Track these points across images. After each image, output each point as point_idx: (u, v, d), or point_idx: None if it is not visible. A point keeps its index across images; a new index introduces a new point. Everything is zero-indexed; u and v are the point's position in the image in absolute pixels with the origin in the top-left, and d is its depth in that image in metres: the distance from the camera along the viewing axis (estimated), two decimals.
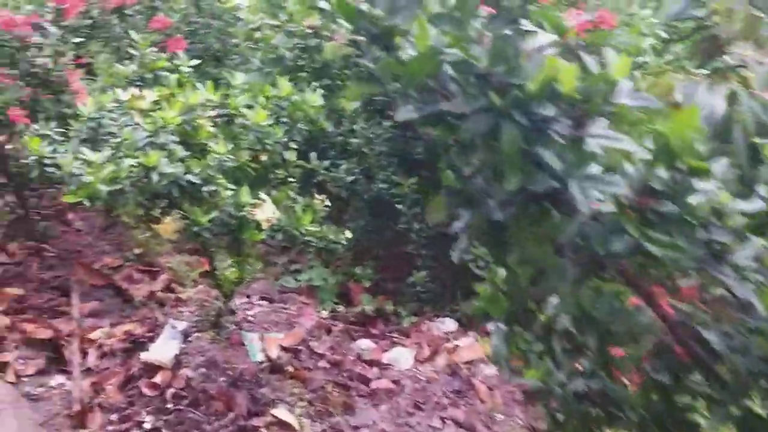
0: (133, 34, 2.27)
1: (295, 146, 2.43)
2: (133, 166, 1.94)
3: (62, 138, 2.15)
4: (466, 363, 2.86)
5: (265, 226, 2.07)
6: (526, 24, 0.73)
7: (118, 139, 2.09)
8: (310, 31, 2.97)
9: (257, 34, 3.28)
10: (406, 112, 0.72)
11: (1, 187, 3.60)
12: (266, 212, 2.05)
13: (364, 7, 0.69)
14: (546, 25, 0.86)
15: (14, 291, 3.12)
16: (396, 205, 3.02)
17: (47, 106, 2.91)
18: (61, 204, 3.80)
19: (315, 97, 2.35)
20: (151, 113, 2.12)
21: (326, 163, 2.94)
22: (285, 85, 2.36)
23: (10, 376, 2.72)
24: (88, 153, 1.96)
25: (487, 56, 0.67)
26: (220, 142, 2.07)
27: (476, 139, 0.69)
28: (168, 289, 3.26)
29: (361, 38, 0.72)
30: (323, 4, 3.16)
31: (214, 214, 2.06)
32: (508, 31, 0.70)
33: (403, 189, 2.98)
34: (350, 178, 2.99)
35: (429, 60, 0.68)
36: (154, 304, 3.16)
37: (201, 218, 2.03)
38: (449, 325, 3.04)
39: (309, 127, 2.42)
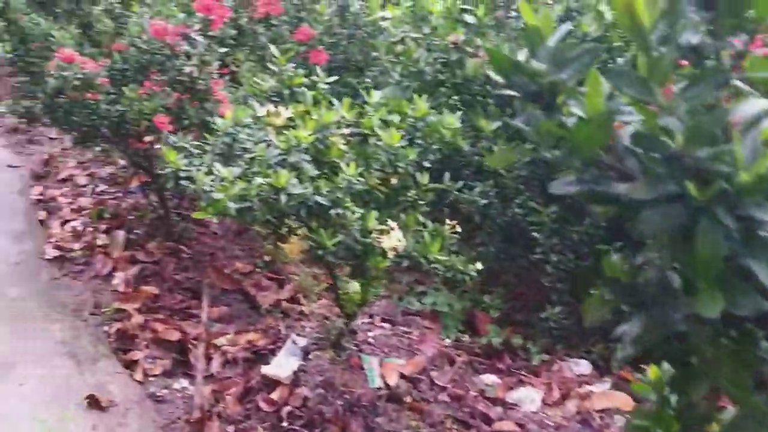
0: (274, 50, 2.24)
1: (427, 165, 2.31)
2: (262, 184, 1.90)
3: (198, 151, 2.16)
4: (600, 411, 2.62)
5: (390, 254, 1.96)
6: (737, 83, 0.56)
7: (252, 155, 2.06)
8: (453, 45, 2.84)
9: (399, 48, 3.20)
10: (565, 186, 0.57)
11: (146, 186, 3.77)
12: (392, 240, 1.94)
13: (522, 58, 0.56)
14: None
15: (150, 290, 3.23)
16: (532, 233, 2.83)
17: (191, 114, 2.98)
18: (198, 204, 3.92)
19: (453, 119, 2.21)
20: (285, 131, 2.08)
21: (459, 183, 2.79)
22: (421, 104, 2.24)
23: (139, 375, 2.80)
24: (220, 168, 1.94)
25: (683, 131, 0.51)
26: (351, 163, 1.98)
27: (659, 232, 0.53)
28: (293, 300, 3.25)
29: (515, 94, 0.58)
30: (469, 19, 3.04)
31: (339, 237, 1.98)
32: (711, 99, 0.53)
33: (541, 217, 2.78)
34: (484, 201, 2.83)
35: (601, 127, 0.53)
36: (278, 313, 3.16)
37: (326, 241, 1.96)
38: (583, 367, 2.80)
39: (444, 149, 2.29)
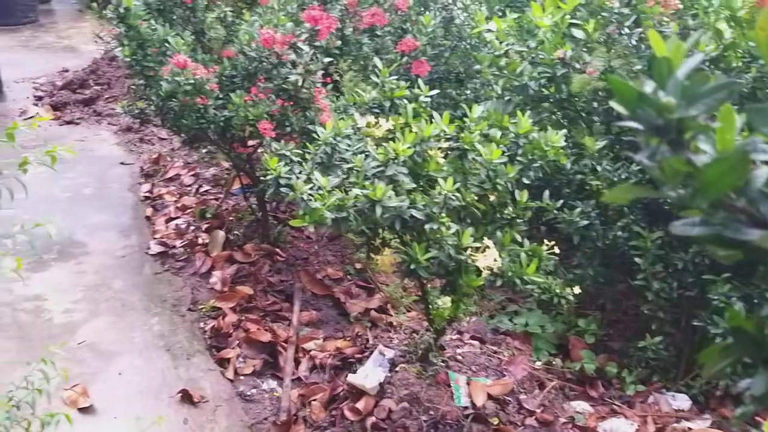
0: (377, 61, 2.25)
1: (526, 181, 2.25)
2: (359, 196, 1.90)
3: (299, 159, 2.19)
4: None
5: (485, 273, 1.92)
6: None
7: (350, 165, 2.08)
8: (559, 60, 2.76)
9: (502, 61, 3.15)
10: (688, 227, 0.53)
11: (247, 188, 3.87)
12: (488, 259, 1.90)
13: (649, 90, 0.51)
14: None
15: (245, 290, 3.31)
16: (634, 258, 2.71)
17: (293, 121, 3.04)
18: (294, 210, 4.00)
19: (556, 137, 2.15)
20: (384, 143, 2.08)
21: (559, 202, 2.70)
22: (524, 120, 2.19)
23: (230, 373, 2.87)
24: (319, 178, 1.95)
25: None
26: (449, 178, 1.96)
27: None
28: (382, 310, 3.25)
29: (639, 127, 0.54)
30: (578, 34, 2.95)
31: (433, 252, 1.96)
32: None
33: (645, 242, 2.65)
34: (584, 222, 2.73)
35: (734, 167, 0.48)
36: (367, 322, 3.17)
37: (419, 256, 1.94)
38: (682, 401, 2.65)
39: (546, 166, 2.23)
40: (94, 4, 3.74)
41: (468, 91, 3.87)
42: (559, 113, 3.29)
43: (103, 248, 3.65)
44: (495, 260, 1.90)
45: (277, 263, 3.59)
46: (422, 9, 3.54)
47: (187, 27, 3.24)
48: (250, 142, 3.08)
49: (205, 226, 3.84)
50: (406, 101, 2.19)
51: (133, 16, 2.83)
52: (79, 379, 2.71)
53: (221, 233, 3.70)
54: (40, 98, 5.49)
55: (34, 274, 3.38)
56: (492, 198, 2.08)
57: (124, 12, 2.82)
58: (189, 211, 4.05)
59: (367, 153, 2.07)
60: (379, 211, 1.83)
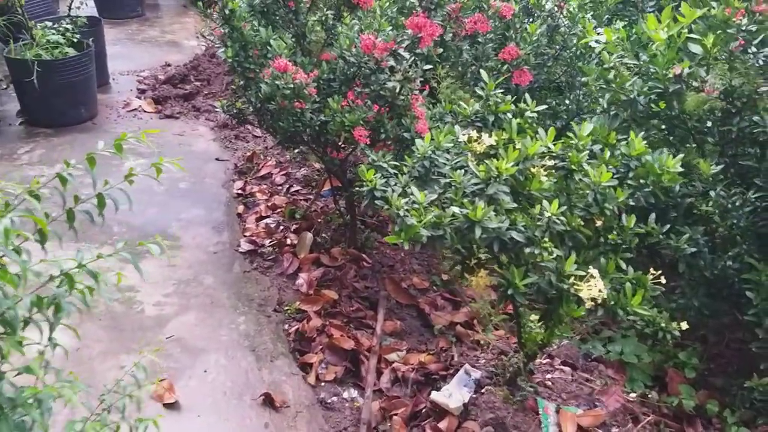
0: (483, 74, 2.16)
1: (632, 203, 2.12)
2: (457, 214, 1.83)
3: (395, 171, 2.13)
4: None
5: (588, 305, 1.81)
6: None
7: (448, 180, 2.01)
8: (674, 76, 2.60)
9: (611, 74, 2.99)
10: None
11: (336, 191, 3.86)
12: (594, 290, 1.79)
13: None
14: None
15: (330, 294, 3.30)
16: (745, 291, 2.51)
17: (388, 128, 2.99)
18: (383, 216, 3.96)
19: (672, 162, 2.01)
20: (485, 159, 2.00)
21: (665, 227, 2.54)
22: (638, 142, 2.06)
23: (312, 378, 2.86)
24: (416, 192, 1.89)
25: None
26: (554, 201, 1.86)
27: None
28: (468, 325, 3.17)
29: None
30: (695, 49, 2.77)
31: (532, 278, 1.86)
32: None
33: (758, 276, 2.46)
34: (692, 249, 2.56)
35: None
36: (452, 336, 3.10)
37: (518, 280, 1.85)
38: None
39: (658, 191, 2.09)
40: (200, 3, 3.79)
41: (568, 102, 3.73)
42: (667, 131, 3.10)
43: (196, 243, 3.72)
44: (600, 291, 1.79)
45: (363, 269, 3.55)
46: (527, 17, 3.42)
47: (288, 29, 3.25)
48: (344, 147, 3.05)
49: (294, 226, 3.86)
50: (510, 116, 2.10)
51: (238, 18, 2.86)
52: (167, 373, 2.76)
53: (309, 235, 3.70)
54: (143, 91, 5.67)
55: (128, 265, 3.46)
56: (599, 223, 1.96)
57: (229, 14, 2.84)
58: (279, 210, 4.08)
59: (466, 168, 1.99)
60: (478, 232, 1.75)
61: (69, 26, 5.11)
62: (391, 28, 3.37)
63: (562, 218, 1.85)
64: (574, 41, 3.59)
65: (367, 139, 2.86)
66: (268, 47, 2.93)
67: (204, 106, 5.39)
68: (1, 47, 5.10)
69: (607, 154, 2.11)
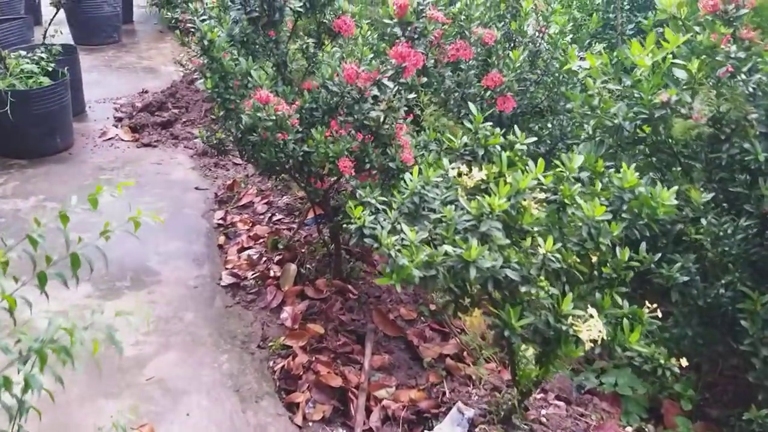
0: (471, 107, 2.11)
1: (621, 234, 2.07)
2: (449, 253, 1.76)
3: (383, 207, 2.06)
4: None
5: (588, 346, 1.75)
6: None
7: (439, 216, 1.94)
8: (662, 103, 2.57)
9: (595, 101, 2.97)
10: None
11: (320, 219, 3.79)
12: (593, 331, 1.73)
13: None
14: None
15: (316, 329, 3.21)
16: (740, 321, 2.47)
17: (372, 158, 2.93)
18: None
19: (667, 194, 1.96)
20: (476, 193, 1.94)
21: (656, 256, 2.49)
22: (630, 174, 2.01)
23: (299, 419, 2.76)
24: (406, 230, 1.83)
25: None
26: (549, 237, 1.80)
27: None
28: (458, 358, 3.09)
29: None
30: (680, 74, 2.75)
31: (529, 318, 1.79)
32: None
33: (753, 305, 2.42)
34: (684, 278, 2.51)
35: None
36: (442, 370, 3.02)
37: (513, 321, 1.78)
38: None
39: (653, 225, 2.04)
40: (177, 32, 3.74)
41: (551, 126, 3.70)
42: (652, 156, 3.08)
43: (176, 277, 3.62)
44: (600, 332, 1.73)
45: (349, 300, 3.47)
46: (508, 43, 3.39)
47: (269, 58, 3.19)
48: (328, 178, 2.99)
49: (277, 257, 3.77)
50: (499, 148, 2.05)
51: (217, 48, 2.79)
52: (147, 417, 2.65)
53: (293, 267, 3.62)
54: (120, 119, 5.58)
55: (106, 302, 3.36)
56: (594, 259, 1.90)
57: (208, 44, 2.77)
58: (261, 240, 3.99)
59: (457, 203, 1.93)
60: (473, 272, 1.69)
61: (43, 55, 5.02)
62: (372, 55, 3.33)
63: (557, 255, 1.79)
64: (556, 66, 3.57)
65: (352, 170, 2.80)
66: (249, 77, 2.87)
67: (182, 134, 5.30)
68: None
69: (599, 185, 2.06)
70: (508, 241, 1.87)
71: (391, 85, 2.73)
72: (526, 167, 2.00)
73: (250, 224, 4.18)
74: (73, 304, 3.33)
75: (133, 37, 8.24)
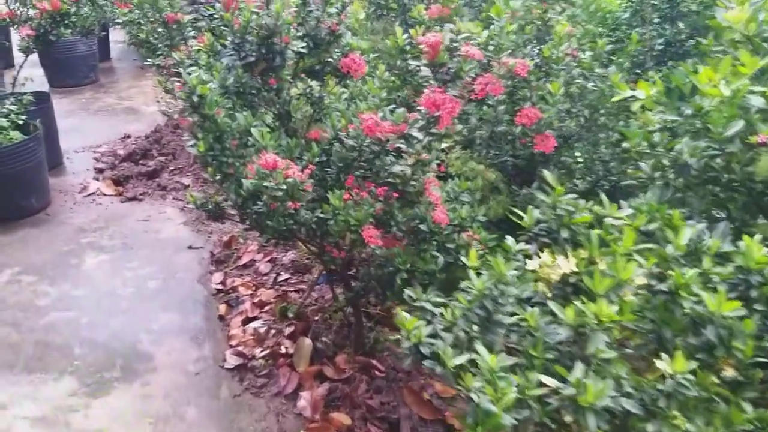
0: (547, 175, 1.66)
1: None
2: (545, 385, 1.30)
3: (440, 310, 1.60)
4: None
5: None
6: None
7: (516, 319, 1.49)
8: (760, 144, 2.13)
9: (655, 137, 2.53)
10: None
11: (330, 275, 3.30)
12: None
13: None
14: None
15: (341, 419, 2.74)
16: None
17: (399, 220, 2.48)
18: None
19: None
20: (564, 290, 1.48)
21: None
22: (756, 249, 1.56)
23: None
24: (484, 354, 1.36)
25: None
26: (677, 355, 1.34)
27: None
28: None
29: None
30: (757, 102, 2.32)
31: None
32: None
33: None
34: None
35: None
36: None
37: None
38: None
39: None
40: (158, 79, 3.29)
41: (581, 159, 3.27)
42: (723, 198, 2.64)
43: (173, 361, 3.13)
44: None
45: (376, 379, 3.00)
46: (543, 74, 2.95)
47: (269, 108, 2.74)
48: (349, 247, 2.53)
49: (288, 329, 3.29)
50: (592, 231, 1.59)
51: (209, 104, 2.33)
52: None
53: (307, 342, 3.14)
54: (101, 170, 5.10)
55: (94, 400, 2.87)
56: (729, 371, 1.44)
57: (198, 100, 2.32)
58: (268, 308, 3.52)
59: (546, 310, 1.48)
60: (591, 422, 1.22)
61: (13, 107, 4.54)
62: (385, 92, 2.89)
63: (690, 377, 1.34)
64: (591, 96, 3.13)
65: (379, 239, 2.34)
66: (249, 136, 2.41)
67: (170, 184, 4.83)
68: None
69: (710, 263, 1.61)
70: (614, 354, 1.41)
71: (420, 136, 2.28)
72: (630, 256, 1.55)
73: (254, 288, 3.71)
74: (56, 406, 2.84)
75: (111, 76, 7.78)
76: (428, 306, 1.59)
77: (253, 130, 2.36)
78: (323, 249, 2.72)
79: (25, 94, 4.85)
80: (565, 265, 1.49)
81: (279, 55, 2.47)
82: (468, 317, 1.49)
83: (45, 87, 6.92)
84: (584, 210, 1.58)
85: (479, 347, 1.38)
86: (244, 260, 3.95)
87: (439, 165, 2.49)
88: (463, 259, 1.67)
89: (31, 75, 6.79)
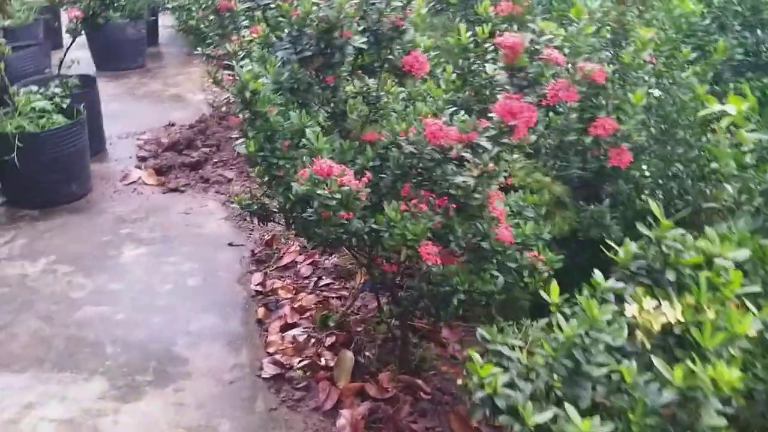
0: (653, 206, 1.43)
1: None
2: None
3: (517, 354, 1.39)
4: None
5: None
6: None
7: (608, 370, 1.27)
8: None
9: (748, 158, 2.29)
10: None
11: (378, 284, 3.10)
12: None
13: None
14: None
15: None
16: None
17: (459, 235, 2.28)
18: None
19: None
20: (665, 340, 1.27)
21: None
22: None
23: None
24: (575, 416, 1.16)
25: None
26: None
27: None
28: None
29: None
30: None
31: None
32: None
33: None
34: None
35: None
36: None
37: None
38: None
39: None
40: (208, 69, 3.14)
41: (648, 172, 3.02)
42: None
43: (208, 368, 2.98)
44: None
45: (421, 401, 2.80)
46: (622, 82, 2.71)
47: (323, 106, 2.56)
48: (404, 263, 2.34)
49: (329, 339, 3.11)
50: (701, 274, 1.37)
51: (262, 101, 2.15)
52: None
53: (349, 355, 2.96)
54: (143, 159, 4.99)
55: (124, 405, 2.74)
56: None
57: (250, 96, 2.14)
58: (308, 314, 3.35)
59: (637, 356, 1.26)
60: None
61: (57, 90, 4.45)
62: (448, 94, 2.69)
63: None
64: (670, 107, 2.87)
65: (437, 257, 2.14)
66: (302, 137, 2.23)
67: (213, 177, 4.69)
68: None
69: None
70: (724, 422, 1.19)
71: (489, 146, 2.07)
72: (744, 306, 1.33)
73: (294, 291, 3.54)
74: (84, 408, 2.71)
75: (158, 61, 7.70)
76: (505, 351, 1.38)
77: (307, 130, 2.18)
78: (373, 261, 2.53)
79: (70, 76, 4.77)
80: (671, 312, 1.28)
81: (339, 51, 2.29)
82: (553, 367, 1.28)
83: (92, 70, 6.87)
84: (692, 248, 1.35)
85: (569, 408, 1.17)
86: (285, 261, 3.79)
87: (506, 177, 2.28)
88: (543, 295, 1.46)
89: (79, 57, 6.76)
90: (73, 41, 5.01)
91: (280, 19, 2.31)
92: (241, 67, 2.16)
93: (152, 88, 6.76)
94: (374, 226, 2.23)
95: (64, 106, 4.40)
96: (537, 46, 2.02)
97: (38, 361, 2.97)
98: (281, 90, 2.32)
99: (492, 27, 3.05)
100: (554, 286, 1.48)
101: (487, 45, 3.01)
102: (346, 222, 2.16)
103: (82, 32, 4.95)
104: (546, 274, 2.36)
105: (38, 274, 3.62)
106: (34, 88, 4.41)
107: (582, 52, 2.58)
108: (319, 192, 1.99)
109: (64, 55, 5.10)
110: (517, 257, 2.34)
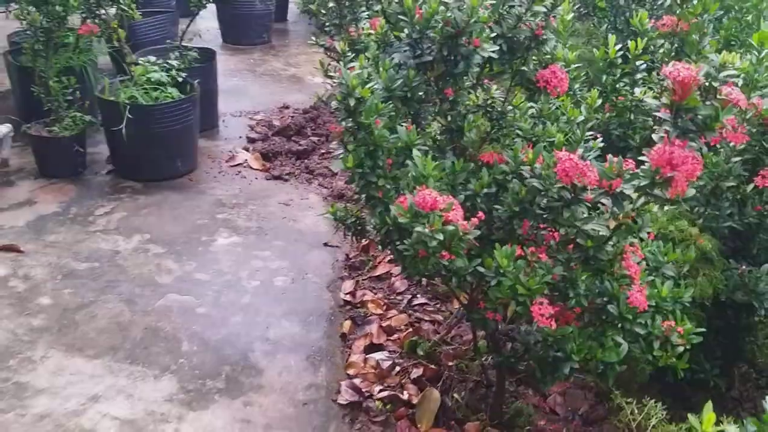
0: None
1: None
2: None
3: None
4: None
5: None
6: None
7: None
8: None
9: None
10: None
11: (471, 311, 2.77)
12: None
13: None
14: None
15: None
16: None
17: (581, 292, 1.91)
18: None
19: None
20: None
21: None
22: None
23: None
24: None
25: None
26: None
27: None
28: None
29: None
30: None
31: None
32: None
33: None
34: None
35: None
36: None
37: None
38: None
39: None
40: (320, 63, 2.89)
41: None
42: None
43: (283, 383, 2.75)
44: None
45: None
46: None
47: (437, 118, 2.24)
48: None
49: (415, 371, 2.82)
50: None
51: (368, 111, 1.86)
52: None
53: (436, 394, 2.65)
54: (252, 140, 4.85)
55: (190, 414, 2.56)
56: None
57: (355, 104, 1.85)
58: (396, 336, 3.06)
59: None
60: None
61: (175, 62, 4.36)
62: (590, 123, 2.31)
63: None
64: None
65: (552, 320, 1.78)
66: (407, 155, 1.92)
67: (318, 169, 4.48)
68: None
69: None
70: None
71: (635, 196, 1.68)
72: None
73: (385, 307, 3.26)
74: (148, 410, 2.55)
75: (283, 39, 7.60)
76: None
77: (414, 150, 1.87)
78: (475, 304, 2.20)
79: (191, 49, 4.68)
80: None
81: (464, 60, 1.95)
82: None
83: (218, 43, 6.85)
84: None
85: None
86: (379, 271, 3.52)
87: (649, 233, 1.87)
88: (693, 421, 1.08)
89: (208, 28, 6.73)
90: (196, 13, 4.92)
91: (401, 17, 1.99)
92: (349, 69, 1.87)
93: (273, 66, 6.65)
94: (480, 269, 1.89)
95: (180, 79, 4.30)
96: (716, 84, 1.60)
97: (112, 349, 2.85)
98: (391, 98, 2.02)
99: (646, 42, 2.62)
100: (711, 415, 1.10)
101: (639, 63, 2.58)
102: (446, 263, 1.84)
103: (207, 5, 4.85)
104: (681, 348, 1.95)
105: (129, 252, 3.52)
106: (152, 58, 4.33)
107: (759, 86, 2.11)
108: (418, 229, 1.67)
109: (187, 27, 5.03)
110: (648, 324, 1.94)
